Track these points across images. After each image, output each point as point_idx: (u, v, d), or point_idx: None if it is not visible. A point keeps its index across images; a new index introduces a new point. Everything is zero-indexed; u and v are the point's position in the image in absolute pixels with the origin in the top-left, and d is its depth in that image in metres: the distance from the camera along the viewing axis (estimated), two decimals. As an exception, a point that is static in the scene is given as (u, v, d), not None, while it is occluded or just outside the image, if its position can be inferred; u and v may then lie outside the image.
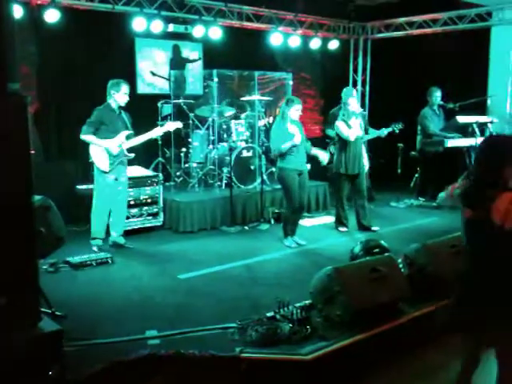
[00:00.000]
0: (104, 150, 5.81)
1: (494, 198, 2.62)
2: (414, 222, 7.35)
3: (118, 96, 5.80)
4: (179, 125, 6.41)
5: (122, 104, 5.88)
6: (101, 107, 5.84)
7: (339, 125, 6.72)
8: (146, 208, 6.79)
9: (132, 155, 5.99)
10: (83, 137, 5.77)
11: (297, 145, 6.00)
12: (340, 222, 7.03)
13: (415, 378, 3.68)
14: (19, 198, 2.83)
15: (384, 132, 7.32)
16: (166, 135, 7.76)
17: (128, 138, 5.91)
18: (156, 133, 6.11)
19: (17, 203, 2.81)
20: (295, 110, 6.07)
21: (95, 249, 5.85)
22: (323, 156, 6.39)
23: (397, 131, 7.09)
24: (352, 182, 6.88)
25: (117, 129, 5.86)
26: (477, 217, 2.75)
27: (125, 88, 5.82)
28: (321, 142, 9.18)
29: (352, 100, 6.80)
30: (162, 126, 6.29)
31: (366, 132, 7.42)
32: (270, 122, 8.24)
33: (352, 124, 6.70)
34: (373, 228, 6.86)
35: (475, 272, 2.81)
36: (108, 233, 6.07)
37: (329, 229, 7.13)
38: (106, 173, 5.83)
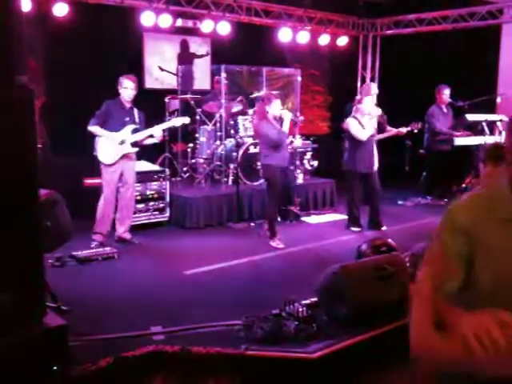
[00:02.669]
0: (109, 142, 5.77)
1: None
2: (421, 221, 7.28)
3: (122, 91, 5.80)
4: (186, 120, 6.37)
5: (128, 99, 5.84)
6: (111, 100, 5.85)
7: (351, 122, 6.46)
8: (152, 203, 6.78)
9: (135, 149, 5.94)
10: (90, 128, 5.77)
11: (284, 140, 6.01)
12: (353, 221, 6.83)
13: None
14: (25, 192, 2.82)
15: (403, 131, 6.97)
16: (172, 131, 7.78)
17: (134, 132, 5.88)
18: (161, 127, 6.04)
19: (22, 197, 2.80)
20: (275, 106, 5.97)
21: (95, 244, 5.74)
22: None
23: (416, 131, 6.90)
24: (365, 182, 6.68)
25: (124, 123, 5.84)
26: None
27: (126, 83, 5.76)
28: (329, 138, 9.15)
29: (367, 99, 6.52)
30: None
31: (384, 130, 7.05)
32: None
33: (365, 123, 6.46)
34: (382, 228, 6.73)
35: None
36: (114, 228, 6.05)
37: (335, 226, 7.09)
38: (109, 166, 5.80)
